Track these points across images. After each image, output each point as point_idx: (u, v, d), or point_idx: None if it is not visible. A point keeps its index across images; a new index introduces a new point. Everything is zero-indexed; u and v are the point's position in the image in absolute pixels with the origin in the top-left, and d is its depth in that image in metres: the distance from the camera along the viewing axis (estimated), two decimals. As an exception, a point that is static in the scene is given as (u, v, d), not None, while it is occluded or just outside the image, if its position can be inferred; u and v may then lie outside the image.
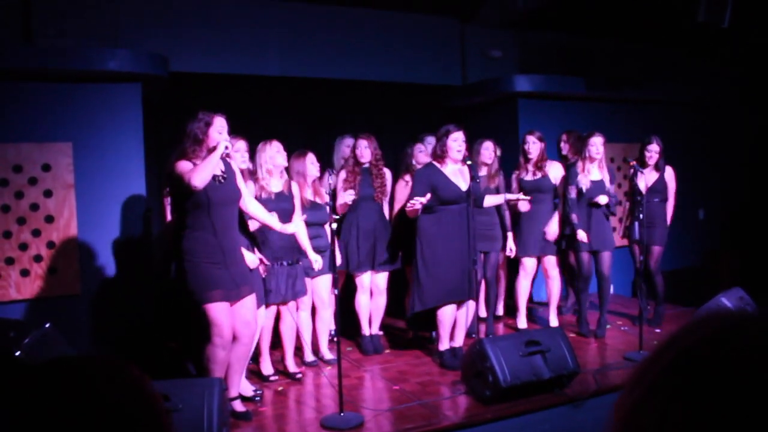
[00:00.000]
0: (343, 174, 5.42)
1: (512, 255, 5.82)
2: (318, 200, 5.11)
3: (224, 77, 6.38)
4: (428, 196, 4.67)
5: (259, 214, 4.20)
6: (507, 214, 5.74)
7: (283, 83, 6.78)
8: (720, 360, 0.47)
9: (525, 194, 5.61)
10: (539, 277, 6.30)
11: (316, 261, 4.81)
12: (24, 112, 5.11)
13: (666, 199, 5.97)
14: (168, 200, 4.99)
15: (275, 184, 4.74)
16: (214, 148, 3.74)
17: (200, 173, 3.65)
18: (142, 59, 5.35)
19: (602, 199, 5.51)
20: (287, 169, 4.91)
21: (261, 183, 4.68)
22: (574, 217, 5.57)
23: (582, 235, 5.52)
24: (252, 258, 4.30)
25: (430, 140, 5.68)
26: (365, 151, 5.37)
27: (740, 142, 8.83)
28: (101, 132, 5.36)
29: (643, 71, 8.02)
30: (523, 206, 5.62)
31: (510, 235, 5.76)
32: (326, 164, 5.54)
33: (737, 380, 0.45)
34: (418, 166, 5.31)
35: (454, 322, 5.03)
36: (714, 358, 0.48)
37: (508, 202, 5.56)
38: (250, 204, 4.17)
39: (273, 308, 4.77)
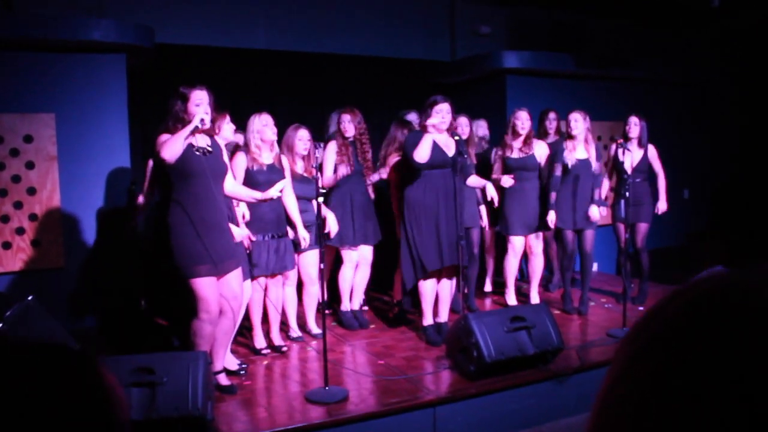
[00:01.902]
0: (334, 147, 5.37)
1: (485, 226, 5.91)
2: (307, 175, 5.08)
3: (211, 50, 6.29)
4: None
5: (239, 192, 4.11)
6: (478, 189, 5.81)
7: (270, 57, 6.70)
8: (737, 309, 0.46)
9: (510, 171, 5.66)
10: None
11: (304, 239, 4.80)
12: (5, 82, 5.03)
13: (648, 179, 5.98)
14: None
15: (266, 157, 4.71)
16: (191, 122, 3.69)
17: (170, 147, 3.60)
18: (127, 30, 5.27)
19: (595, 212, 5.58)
20: (278, 142, 4.89)
21: (252, 155, 4.65)
22: (552, 196, 5.62)
23: (551, 217, 5.59)
24: (239, 232, 4.27)
25: (411, 117, 5.66)
26: (348, 125, 5.34)
27: (727, 122, 8.85)
28: (85, 103, 5.29)
29: (632, 50, 8.01)
30: (507, 182, 5.62)
31: (483, 208, 5.83)
32: (313, 139, 5.51)
33: (753, 331, 0.44)
34: None
35: (436, 297, 5.05)
36: (729, 306, 0.46)
37: (494, 182, 5.61)
38: (227, 183, 4.04)
39: (261, 281, 4.76)
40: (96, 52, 5.27)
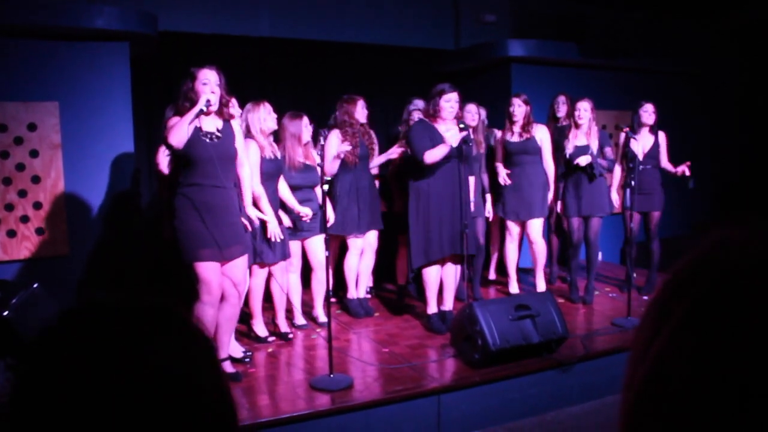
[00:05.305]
0: (337, 134, 5.34)
1: (491, 217, 5.90)
2: (308, 162, 5.06)
3: (214, 37, 6.26)
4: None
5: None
6: (485, 177, 5.79)
7: (274, 44, 6.67)
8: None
9: (511, 155, 5.66)
10: (525, 242, 6.28)
11: (306, 214, 4.78)
12: (8, 70, 5.01)
13: (658, 165, 5.94)
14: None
15: (268, 146, 4.69)
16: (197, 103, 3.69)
17: (176, 132, 3.63)
18: (131, 17, 5.24)
19: (582, 160, 5.47)
20: (276, 132, 4.85)
21: (260, 145, 4.63)
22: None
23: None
24: (255, 213, 4.35)
25: (418, 103, 5.65)
26: (363, 111, 5.35)
27: (733, 112, 8.80)
28: (88, 91, 5.27)
29: (638, 40, 7.95)
30: (502, 176, 5.66)
31: (489, 197, 5.81)
32: (317, 126, 5.49)
33: None
34: None
35: (441, 285, 5.04)
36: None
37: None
38: (243, 170, 4.12)
39: (264, 270, 4.75)
40: (99, 40, 5.25)
